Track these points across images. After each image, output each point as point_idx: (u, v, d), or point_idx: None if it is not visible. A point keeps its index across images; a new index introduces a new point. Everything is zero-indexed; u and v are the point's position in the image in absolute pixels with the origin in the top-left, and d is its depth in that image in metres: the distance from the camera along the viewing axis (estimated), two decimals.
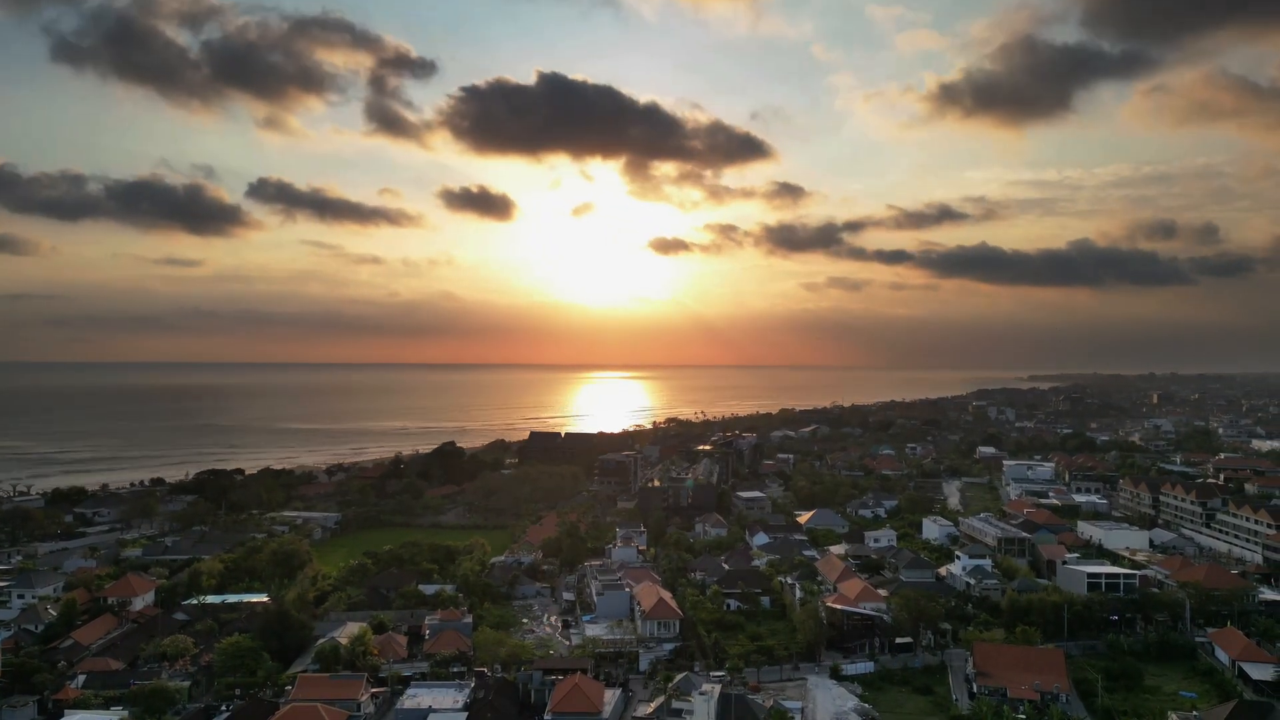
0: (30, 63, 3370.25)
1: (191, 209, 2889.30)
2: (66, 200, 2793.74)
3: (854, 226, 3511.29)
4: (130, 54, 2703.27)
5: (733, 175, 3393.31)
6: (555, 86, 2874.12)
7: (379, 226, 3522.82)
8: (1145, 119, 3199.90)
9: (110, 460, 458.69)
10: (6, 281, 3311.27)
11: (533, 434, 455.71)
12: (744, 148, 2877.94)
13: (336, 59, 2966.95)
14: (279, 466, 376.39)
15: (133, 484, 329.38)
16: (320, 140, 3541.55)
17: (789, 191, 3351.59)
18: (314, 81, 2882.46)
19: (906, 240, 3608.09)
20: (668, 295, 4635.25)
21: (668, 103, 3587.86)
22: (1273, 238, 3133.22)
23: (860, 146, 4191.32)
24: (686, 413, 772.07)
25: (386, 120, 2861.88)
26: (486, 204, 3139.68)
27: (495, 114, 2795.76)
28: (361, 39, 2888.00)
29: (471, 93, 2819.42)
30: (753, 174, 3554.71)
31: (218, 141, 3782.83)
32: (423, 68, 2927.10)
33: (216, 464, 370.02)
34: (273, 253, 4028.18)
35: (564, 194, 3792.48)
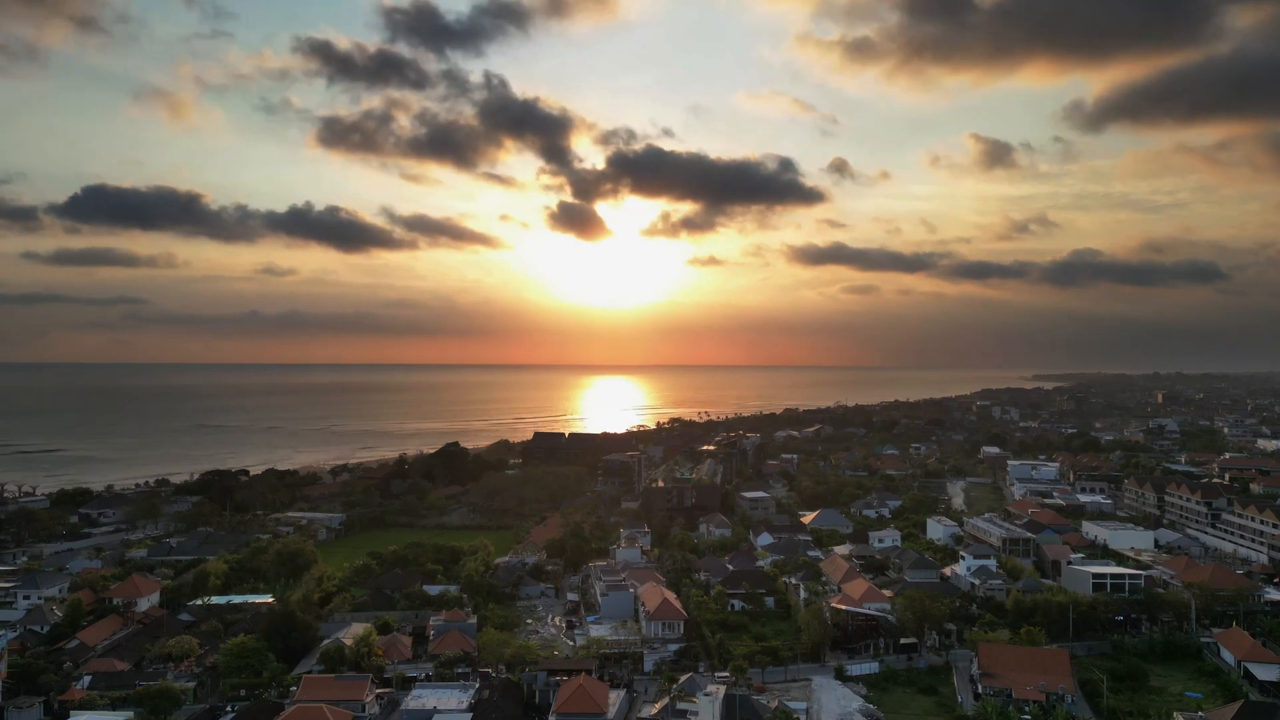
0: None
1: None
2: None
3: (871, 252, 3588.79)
4: (373, 134, 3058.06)
5: (783, 214, 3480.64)
6: (695, 164, 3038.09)
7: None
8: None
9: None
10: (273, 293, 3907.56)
11: (537, 434, 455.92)
12: (808, 197, 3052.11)
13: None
14: (283, 467, 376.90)
15: (137, 484, 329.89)
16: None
17: (830, 225, 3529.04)
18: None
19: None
20: (685, 297, 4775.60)
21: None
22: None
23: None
24: (690, 413, 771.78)
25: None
26: (588, 227, 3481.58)
27: (639, 176, 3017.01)
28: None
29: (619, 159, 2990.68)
30: (802, 216, 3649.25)
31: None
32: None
33: (220, 464, 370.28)
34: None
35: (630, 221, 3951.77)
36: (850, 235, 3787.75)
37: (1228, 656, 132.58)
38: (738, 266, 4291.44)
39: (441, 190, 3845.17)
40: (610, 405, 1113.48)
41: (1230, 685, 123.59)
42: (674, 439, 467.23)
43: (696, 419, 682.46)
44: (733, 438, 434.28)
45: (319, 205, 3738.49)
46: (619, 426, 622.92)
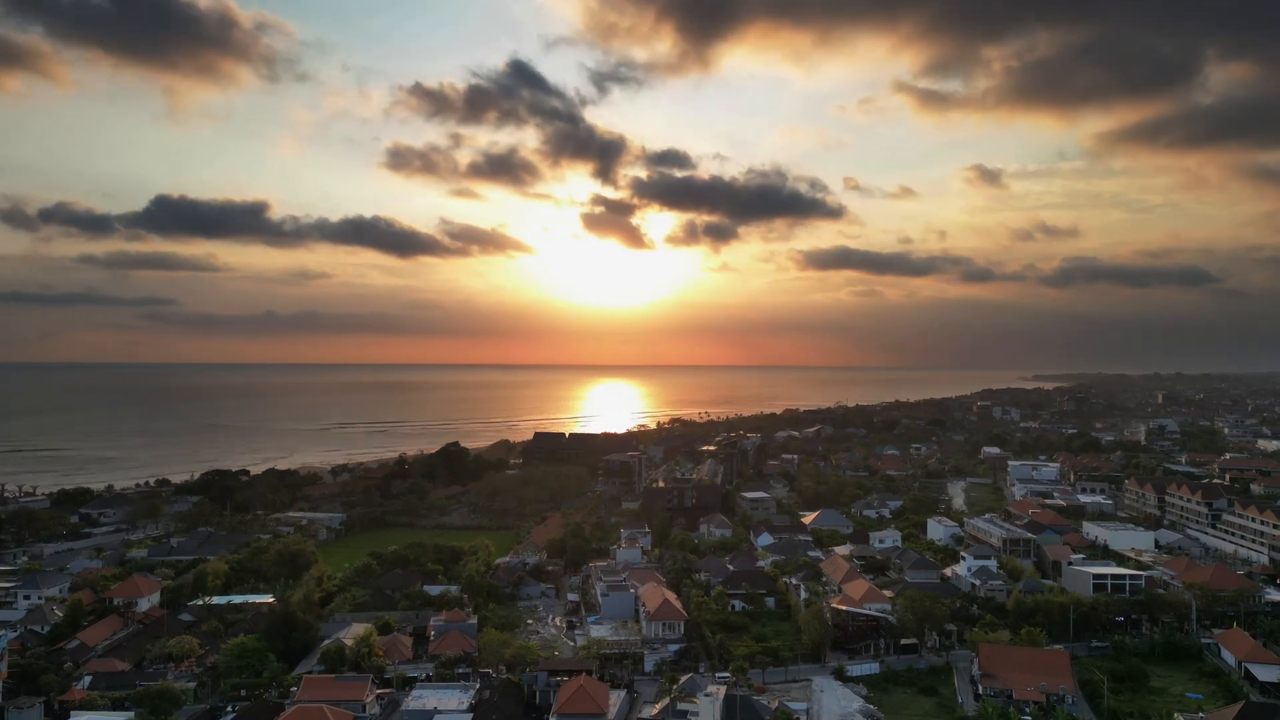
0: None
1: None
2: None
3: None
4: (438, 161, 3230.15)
5: (807, 227, 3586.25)
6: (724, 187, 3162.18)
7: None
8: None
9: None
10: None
11: (537, 434, 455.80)
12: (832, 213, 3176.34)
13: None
14: (284, 467, 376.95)
15: (138, 485, 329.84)
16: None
17: (841, 233, 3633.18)
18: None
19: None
20: (695, 297, 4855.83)
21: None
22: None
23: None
24: (691, 413, 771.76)
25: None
26: (621, 237, 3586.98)
27: (675, 196, 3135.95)
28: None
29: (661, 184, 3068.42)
30: (824, 229, 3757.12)
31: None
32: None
33: (221, 464, 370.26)
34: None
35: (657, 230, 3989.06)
36: (858, 240, 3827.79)
37: (1228, 657, 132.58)
38: (749, 271, 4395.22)
39: (487, 205, 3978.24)
40: (613, 405, 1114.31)
41: (1231, 686, 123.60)
42: (674, 439, 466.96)
43: (697, 419, 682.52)
44: (733, 438, 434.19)
45: (369, 215, 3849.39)
46: (619, 426, 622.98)
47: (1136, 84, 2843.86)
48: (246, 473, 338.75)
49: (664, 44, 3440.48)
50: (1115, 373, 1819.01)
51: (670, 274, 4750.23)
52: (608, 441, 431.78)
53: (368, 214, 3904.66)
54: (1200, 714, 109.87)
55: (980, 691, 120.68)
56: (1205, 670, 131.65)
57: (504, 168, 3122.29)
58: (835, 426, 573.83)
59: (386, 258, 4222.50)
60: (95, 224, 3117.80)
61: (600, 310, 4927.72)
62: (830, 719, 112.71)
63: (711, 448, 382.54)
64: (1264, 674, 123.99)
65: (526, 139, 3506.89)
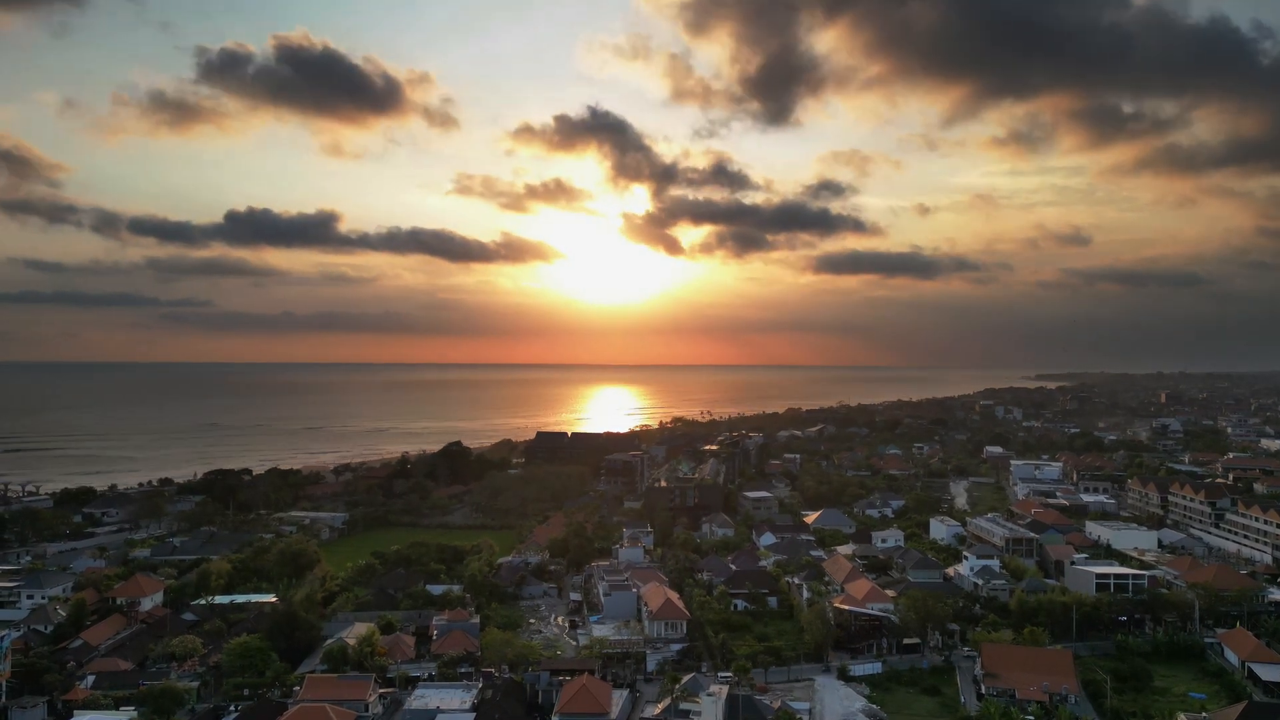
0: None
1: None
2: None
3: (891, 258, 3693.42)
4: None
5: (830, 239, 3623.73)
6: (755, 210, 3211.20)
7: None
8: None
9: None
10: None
11: (539, 434, 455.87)
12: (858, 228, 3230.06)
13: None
14: (286, 466, 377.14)
15: (141, 484, 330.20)
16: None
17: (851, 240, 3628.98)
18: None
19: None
20: (702, 298, 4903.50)
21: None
22: None
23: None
24: (693, 412, 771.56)
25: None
26: (660, 243, 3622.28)
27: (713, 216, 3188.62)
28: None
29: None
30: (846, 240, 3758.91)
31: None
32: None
33: (223, 464, 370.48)
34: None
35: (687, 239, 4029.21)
36: (864, 245, 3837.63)
37: (1231, 657, 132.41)
38: (765, 277, 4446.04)
39: (535, 218, 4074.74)
40: (616, 405, 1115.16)
41: (1234, 686, 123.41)
42: (676, 438, 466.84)
43: (699, 418, 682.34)
44: (735, 437, 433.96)
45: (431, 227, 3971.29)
46: (621, 426, 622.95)
47: (1132, 133, 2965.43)
48: (249, 472, 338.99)
49: (724, 102, 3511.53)
50: (1118, 372, 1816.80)
51: (696, 278, 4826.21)
52: (610, 441, 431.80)
53: (429, 226, 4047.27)
54: (1203, 714, 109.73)
55: (983, 691, 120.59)
56: (1208, 670, 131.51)
57: (561, 192, 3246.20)
58: (838, 426, 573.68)
59: (436, 262, 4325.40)
60: (176, 232, 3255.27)
61: (622, 310, 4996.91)
62: (833, 719, 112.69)
63: (714, 447, 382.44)
64: (1267, 674, 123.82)
65: (588, 169, 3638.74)
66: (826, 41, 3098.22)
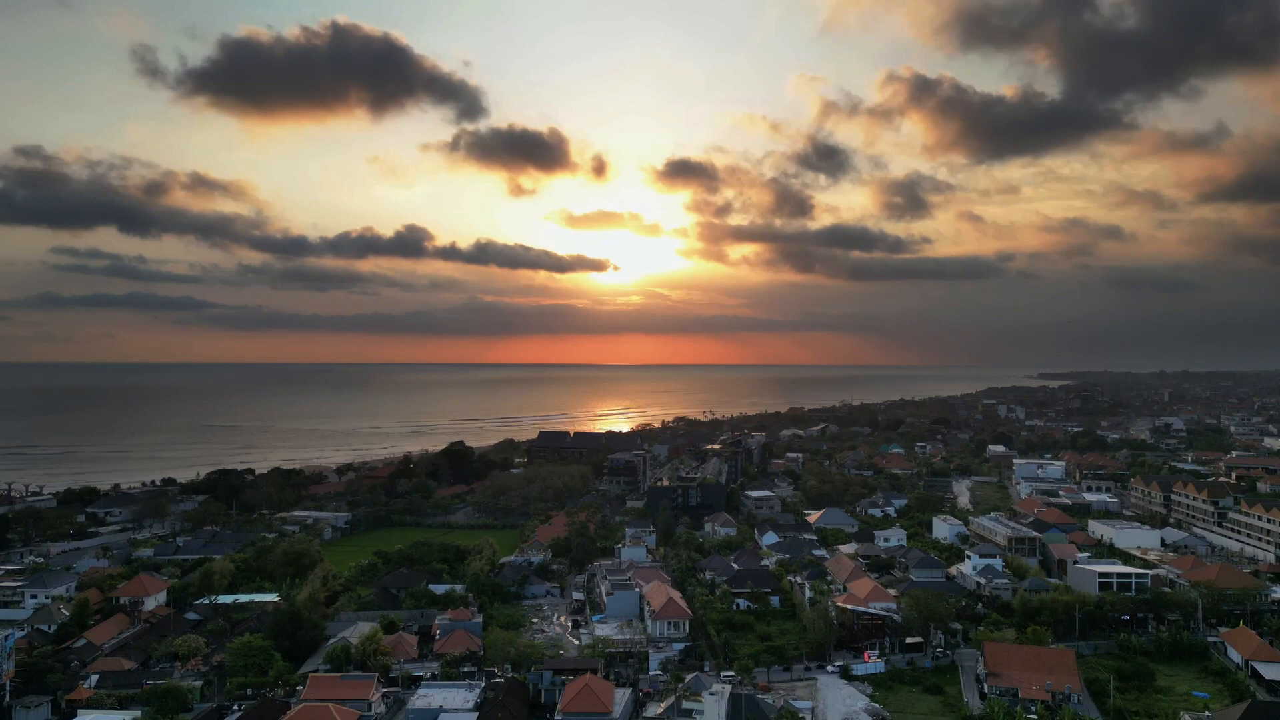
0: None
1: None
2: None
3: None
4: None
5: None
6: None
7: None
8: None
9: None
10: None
11: (541, 433, 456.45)
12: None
13: None
14: (289, 466, 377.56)
15: (144, 484, 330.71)
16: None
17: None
18: None
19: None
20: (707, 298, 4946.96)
21: None
22: None
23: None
24: (695, 412, 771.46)
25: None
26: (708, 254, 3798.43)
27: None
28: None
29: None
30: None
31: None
32: None
33: (226, 463, 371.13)
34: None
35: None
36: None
37: (1234, 656, 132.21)
38: (786, 285, 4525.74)
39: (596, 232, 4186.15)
40: (615, 405, 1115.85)
41: (1237, 685, 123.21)
42: (679, 438, 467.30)
43: (701, 418, 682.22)
44: (738, 437, 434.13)
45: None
46: (624, 425, 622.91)
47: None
48: (252, 472, 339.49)
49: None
50: (1121, 370, 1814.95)
51: (697, 279, 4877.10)
52: (612, 440, 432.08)
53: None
54: (1206, 712, 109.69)
55: (986, 690, 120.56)
56: (1211, 669, 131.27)
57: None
58: (840, 425, 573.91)
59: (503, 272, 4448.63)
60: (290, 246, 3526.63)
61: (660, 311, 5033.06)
62: (835, 718, 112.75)
63: (716, 446, 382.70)
64: (1270, 672, 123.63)
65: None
66: None
